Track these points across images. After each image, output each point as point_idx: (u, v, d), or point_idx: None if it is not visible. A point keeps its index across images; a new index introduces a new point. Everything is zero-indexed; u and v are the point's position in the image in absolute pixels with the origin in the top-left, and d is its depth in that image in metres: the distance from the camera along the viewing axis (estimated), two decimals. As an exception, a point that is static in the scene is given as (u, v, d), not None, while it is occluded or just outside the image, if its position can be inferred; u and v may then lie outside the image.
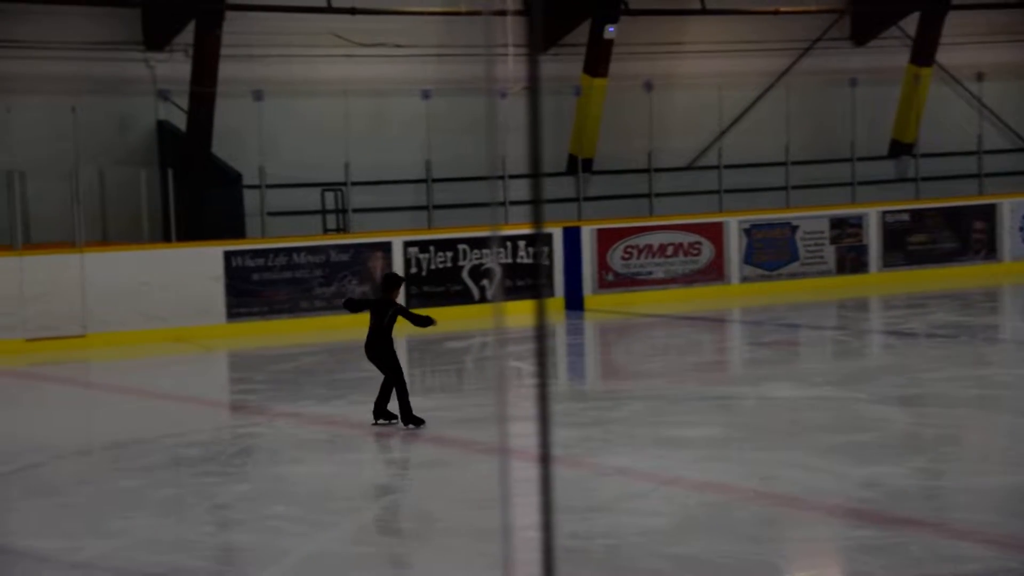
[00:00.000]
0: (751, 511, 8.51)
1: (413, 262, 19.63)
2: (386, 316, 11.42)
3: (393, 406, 11.43)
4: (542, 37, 22.89)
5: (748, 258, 21.58)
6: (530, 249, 20.14)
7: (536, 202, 3.83)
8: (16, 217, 18.23)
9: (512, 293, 19.89)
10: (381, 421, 11.43)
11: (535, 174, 3.85)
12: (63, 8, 19.82)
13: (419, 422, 11.30)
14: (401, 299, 13.06)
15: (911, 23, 25.14)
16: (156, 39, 20.88)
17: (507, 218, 20.76)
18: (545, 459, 3.58)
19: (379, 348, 11.40)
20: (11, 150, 18.43)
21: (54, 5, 19.75)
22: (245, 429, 11.80)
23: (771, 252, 21.76)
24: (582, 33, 22.88)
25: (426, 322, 11.49)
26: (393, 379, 11.33)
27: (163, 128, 20.92)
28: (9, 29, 19.81)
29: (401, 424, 11.32)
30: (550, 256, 20.25)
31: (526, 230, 19.86)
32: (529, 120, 3.51)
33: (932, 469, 9.54)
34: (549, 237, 20.23)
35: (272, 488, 9.64)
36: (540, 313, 3.86)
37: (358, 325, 18.79)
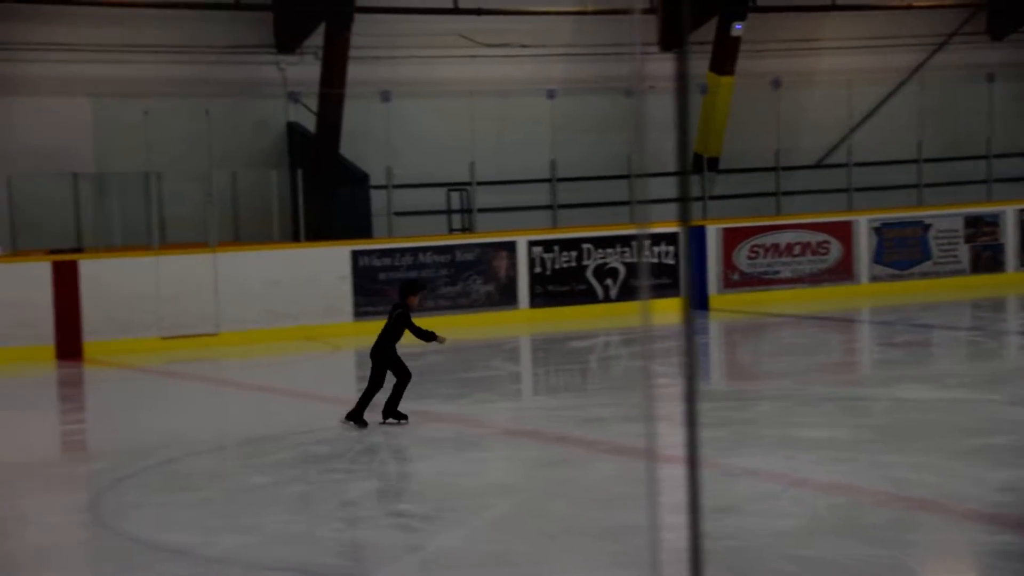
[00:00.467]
0: (881, 514, 8.35)
1: (537, 262, 19.66)
2: (389, 319, 11.47)
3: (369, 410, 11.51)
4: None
5: (878, 257, 21.19)
6: (655, 249, 20.01)
7: (683, 200, 3.77)
8: (153, 218, 18.72)
9: (643, 293, 19.81)
10: (390, 420, 11.53)
11: (682, 172, 3.80)
12: (197, 13, 20.30)
13: (400, 417, 11.48)
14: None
15: (1051, 15, 24.43)
16: (287, 42, 21.25)
17: (633, 217, 20.68)
18: (692, 461, 3.53)
19: (376, 350, 11.52)
20: (149, 152, 18.92)
21: (189, 10, 20.23)
22: (372, 427, 11.94)
23: (902, 251, 21.32)
24: (709, 31, 22.68)
25: (428, 337, 11.46)
26: (398, 377, 11.46)
27: (293, 130, 21.29)
28: (145, 34, 20.34)
29: (380, 418, 11.48)
30: (675, 255, 20.12)
31: (658, 229, 19.73)
32: (677, 116, 3.47)
33: (1072, 474, 9.24)
34: (674, 237, 20.08)
35: (399, 486, 9.74)
36: (687, 314, 3.81)
37: (483, 324, 18.92)
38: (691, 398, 3.48)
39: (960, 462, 9.45)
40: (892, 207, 21.99)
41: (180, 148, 19.93)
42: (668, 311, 21.04)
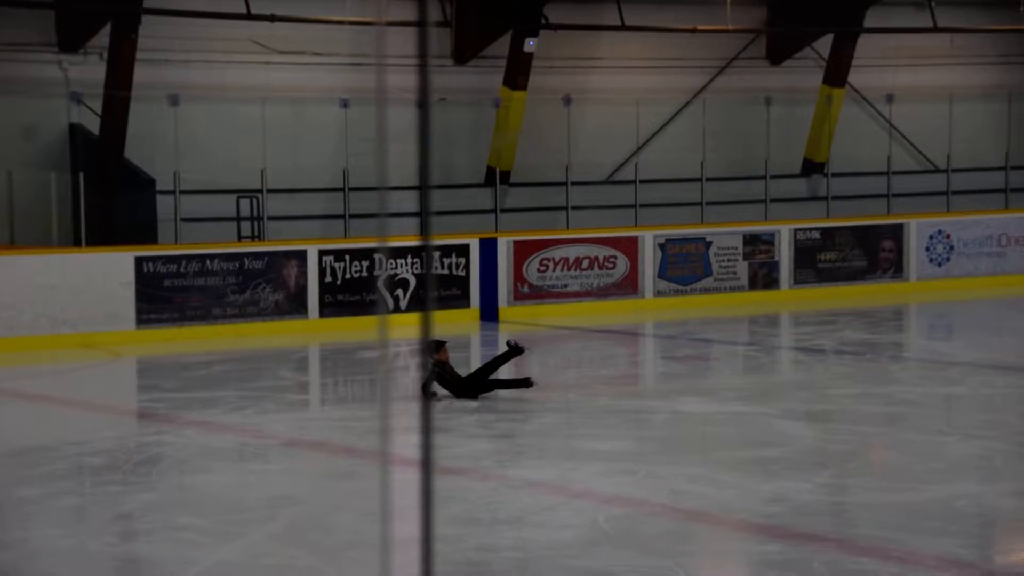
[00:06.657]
0: (658, 525, 8.58)
1: (328, 271, 19.52)
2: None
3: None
4: (455, 46, 22.95)
5: (662, 272, 21.76)
6: (446, 260, 20.11)
7: (423, 214, 3.84)
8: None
9: (427, 304, 19.83)
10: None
11: (422, 186, 3.85)
12: (-26, 7, 19.45)
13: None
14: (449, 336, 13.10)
15: (825, 45, 25.54)
16: (70, 41, 20.56)
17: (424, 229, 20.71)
18: (426, 466, 3.57)
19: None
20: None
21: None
22: (152, 437, 11.65)
23: (685, 267, 21.95)
24: (503, 45, 22.93)
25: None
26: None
27: (75, 131, 20.60)
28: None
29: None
30: (467, 267, 20.25)
31: (448, 240, 19.83)
32: (420, 128, 3.52)
33: (837, 485, 9.68)
34: (466, 248, 20.22)
35: (178, 498, 9.52)
36: (426, 325, 3.85)
37: (272, 333, 18.66)
38: (425, 409, 3.53)
39: (734, 474, 9.78)
40: (676, 224, 22.62)
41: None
42: (457, 322, 21.04)
